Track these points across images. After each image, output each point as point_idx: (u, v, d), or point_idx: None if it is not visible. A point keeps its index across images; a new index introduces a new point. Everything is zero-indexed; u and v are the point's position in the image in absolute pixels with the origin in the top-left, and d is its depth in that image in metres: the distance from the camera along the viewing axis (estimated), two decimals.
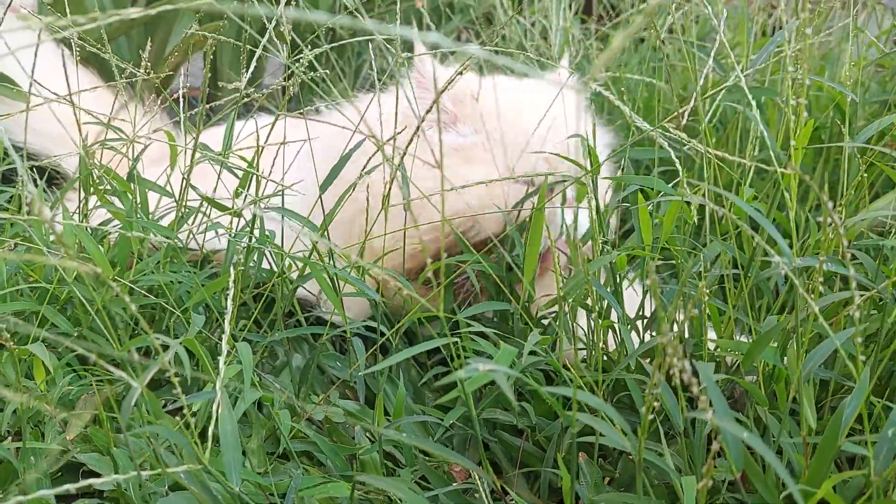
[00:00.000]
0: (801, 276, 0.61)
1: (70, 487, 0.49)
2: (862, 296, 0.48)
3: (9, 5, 0.87)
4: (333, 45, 0.95)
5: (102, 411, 0.56)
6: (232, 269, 0.51)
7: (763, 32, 1.33)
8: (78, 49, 0.86)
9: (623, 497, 0.55)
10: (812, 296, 0.47)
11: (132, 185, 0.89)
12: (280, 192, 0.81)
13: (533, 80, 0.92)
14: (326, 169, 0.77)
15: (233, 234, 0.80)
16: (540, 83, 0.94)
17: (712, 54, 0.63)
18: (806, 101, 0.54)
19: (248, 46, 0.81)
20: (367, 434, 0.73)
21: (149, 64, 0.88)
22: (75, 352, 0.81)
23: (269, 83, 2.25)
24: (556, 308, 0.78)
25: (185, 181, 0.86)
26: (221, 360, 0.50)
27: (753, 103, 0.62)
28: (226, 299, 0.83)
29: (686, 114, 0.60)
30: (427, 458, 0.71)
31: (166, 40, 1.71)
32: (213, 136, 1.02)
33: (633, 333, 0.74)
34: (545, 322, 0.82)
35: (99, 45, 0.78)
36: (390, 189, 0.71)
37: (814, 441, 0.51)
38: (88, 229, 0.85)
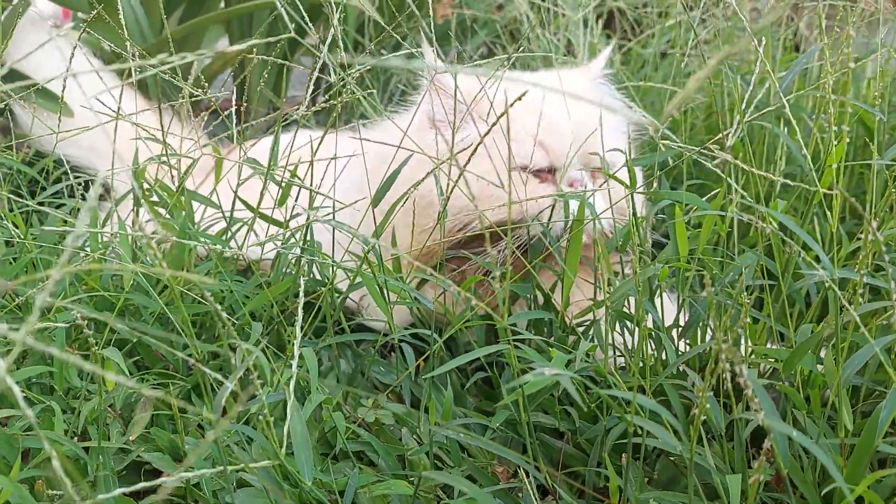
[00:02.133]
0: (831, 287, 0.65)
1: (157, 482, 0.53)
2: None
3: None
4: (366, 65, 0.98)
5: (177, 413, 0.60)
6: (302, 280, 0.55)
7: (785, 46, 1.36)
8: (110, 59, 0.91)
9: (669, 495, 0.58)
10: (851, 307, 0.51)
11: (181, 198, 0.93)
12: (323, 204, 0.85)
13: (553, 74, 0.96)
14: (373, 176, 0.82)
15: (283, 245, 0.84)
16: (561, 75, 0.98)
17: (753, 81, 0.67)
18: (849, 128, 0.57)
19: (306, 68, 0.85)
20: (414, 436, 0.76)
21: (200, 77, 0.92)
22: (135, 358, 0.86)
23: (295, 95, 2.30)
24: (588, 316, 0.82)
25: (235, 196, 0.90)
26: (294, 363, 0.54)
27: (784, 126, 0.65)
28: (275, 307, 0.87)
29: (730, 135, 0.63)
30: (472, 459, 0.74)
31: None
32: (253, 149, 1.07)
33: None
34: (579, 329, 0.86)
35: (168, 73, 0.81)
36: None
37: (850, 442, 0.54)
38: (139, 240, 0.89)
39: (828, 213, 0.66)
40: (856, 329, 0.56)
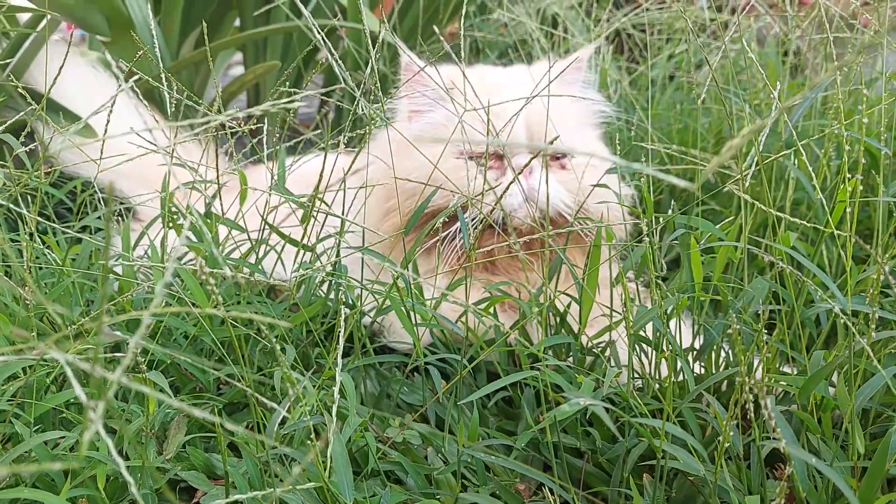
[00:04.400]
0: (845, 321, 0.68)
1: None
2: None
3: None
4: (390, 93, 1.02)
5: (220, 429, 0.63)
6: (343, 308, 0.58)
7: (793, 69, 1.39)
8: (136, 83, 0.94)
9: None
10: (862, 337, 0.54)
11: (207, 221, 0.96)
12: (349, 229, 0.88)
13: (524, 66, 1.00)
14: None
15: (311, 268, 0.87)
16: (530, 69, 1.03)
17: (773, 116, 0.70)
18: (856, 166, 0.60)
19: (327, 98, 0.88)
20: (440, 455, 0.79)
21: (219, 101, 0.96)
22: (168, 378, 0.89)
23: (302, 109, 2.34)
24: (604, 336, 0.85)
25: (263, 221, 0.94)
26: (336, 388, 0.57)
27: (794, 160, 0.69)
28: (303, 329, 0.90)
29: (745, 169, 0.66)
30: (497, 477, 0.77)
31: (207, 77, 1.81)
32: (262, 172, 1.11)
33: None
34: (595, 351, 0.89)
35: (192, 98, 0.85)
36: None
37: (863, 465, 0.58)
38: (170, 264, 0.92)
39: (835, 239, 0.70)
40: (867, 357, 0.60)
